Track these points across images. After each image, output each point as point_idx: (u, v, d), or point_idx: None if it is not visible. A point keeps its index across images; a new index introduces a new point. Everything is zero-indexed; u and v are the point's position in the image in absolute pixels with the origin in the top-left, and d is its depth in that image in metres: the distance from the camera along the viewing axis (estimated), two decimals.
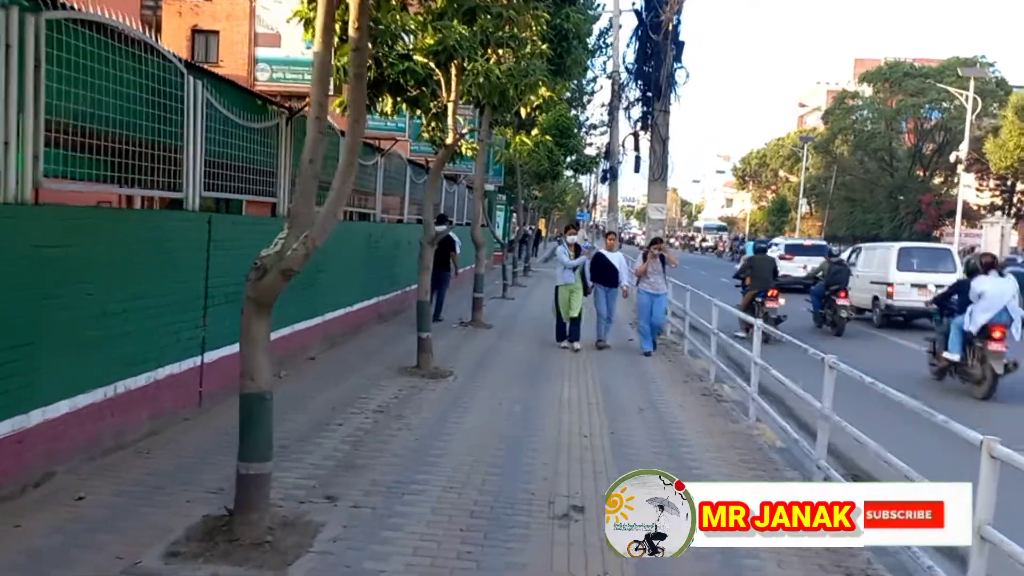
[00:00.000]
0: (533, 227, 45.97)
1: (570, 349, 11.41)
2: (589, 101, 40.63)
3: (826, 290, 14.93)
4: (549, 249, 50.89)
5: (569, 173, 53.50)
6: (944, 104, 52.67)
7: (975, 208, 53.35)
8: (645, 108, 15.07)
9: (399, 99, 8.78)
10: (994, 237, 43.81)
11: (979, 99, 38.79)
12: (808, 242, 29.94)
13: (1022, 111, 33.34)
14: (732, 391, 9.07)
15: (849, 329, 15.04)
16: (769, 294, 13.67)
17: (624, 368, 10.33)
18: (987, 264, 9.98)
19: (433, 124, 9.28)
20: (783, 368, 7.07)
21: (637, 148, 15.44)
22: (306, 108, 9.06)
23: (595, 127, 38.44)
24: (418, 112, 9.38)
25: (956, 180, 55.47)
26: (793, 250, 27.31)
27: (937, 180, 55.32)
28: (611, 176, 30.75)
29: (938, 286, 13.78)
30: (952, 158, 39.63)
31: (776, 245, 27.31)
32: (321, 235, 4.20)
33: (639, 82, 15.08)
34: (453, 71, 8.83)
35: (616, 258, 12.04)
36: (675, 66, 15.05)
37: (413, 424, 6.78)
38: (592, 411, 7.75)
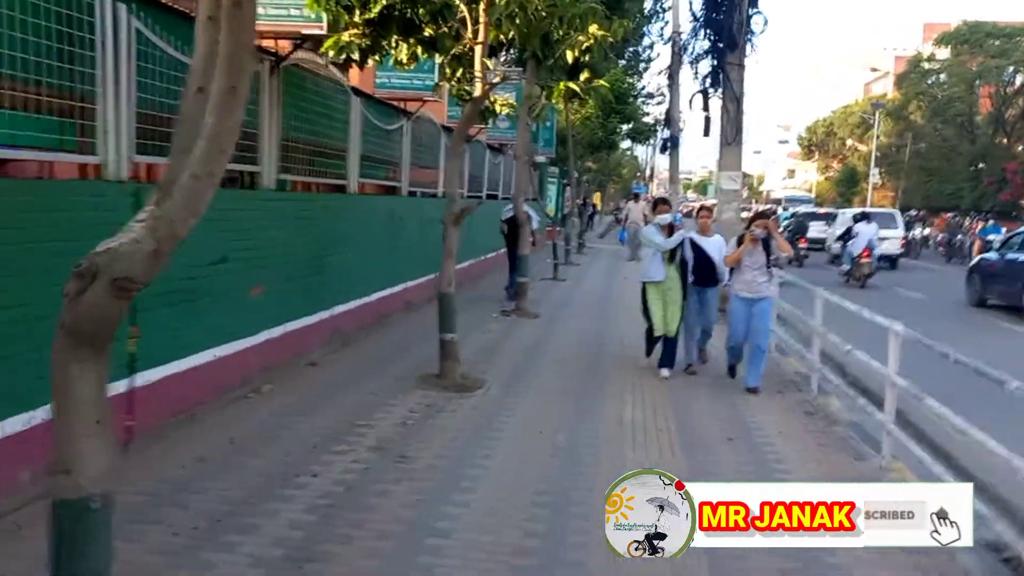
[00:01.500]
0: (589, 201, 43.84)
1: (658, 376, 7.93)
2: (646, 69, 38.35)
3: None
4: (604, 224, 48.61)
5: (625, 145, 51.17)
6: None
7: None
8: (715, 61, 12.92)
9: (411, 41, 6.93)
10: None
11: None
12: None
13: None
14: (841, 406, 7.07)
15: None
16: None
17: (699, 374, 8.39)
18: (860, 216, 20.06)
19: (455, 71, 7.40)
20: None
21: (706, 108, 13.32)
22: (288, 51, 7.34)
23: (651, 96, 36.11)
24: (440, 59, 7.53)
25: None
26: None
27: (1021, 147, 51.32)
28: (671, 145, 28.47)
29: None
30: None
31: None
32: (185, 217, 2.36)
33: (708, 31, 12.92)
34: (481, 3, 6.94)
35: (714, 245, 8.25)
36: (751, 11, 12.86)
37: (418, 472, 4.98)
38: (664, 442, 5.88)
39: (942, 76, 51.68)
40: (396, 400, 6.58)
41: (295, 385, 6.88)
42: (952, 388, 5.54)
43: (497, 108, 8.54)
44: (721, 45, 12.84)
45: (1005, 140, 50.56)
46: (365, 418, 6.03)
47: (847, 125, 76.38)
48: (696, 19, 13.28)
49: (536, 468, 5.15)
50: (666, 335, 8.04)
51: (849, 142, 78.13)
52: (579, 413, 6.50)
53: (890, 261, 23.45)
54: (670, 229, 8.05)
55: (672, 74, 28.33)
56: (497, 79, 7.32)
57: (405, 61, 7.51)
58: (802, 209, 36.56)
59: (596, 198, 52.89)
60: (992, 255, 16.23)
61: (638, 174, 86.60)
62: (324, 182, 8.52)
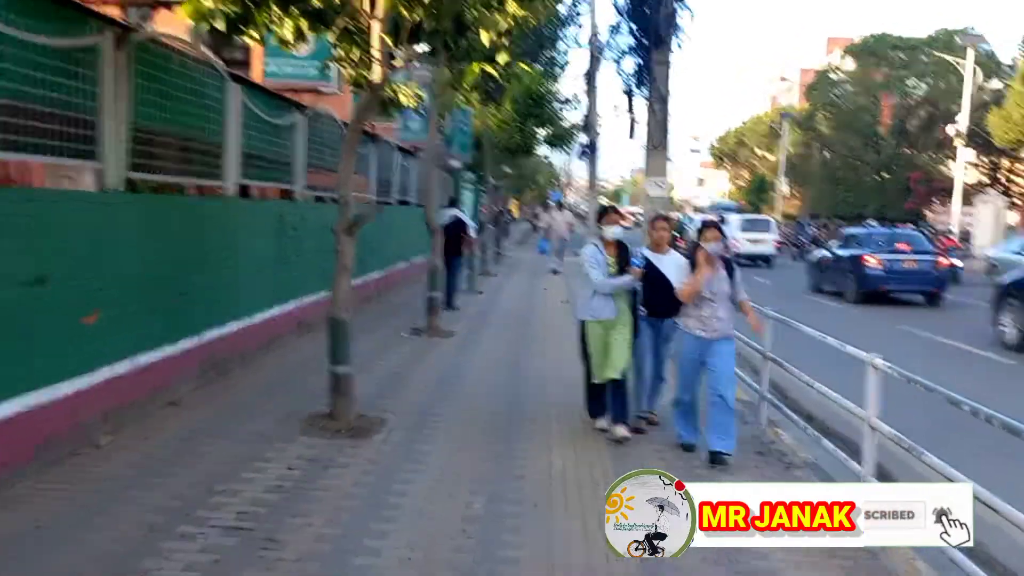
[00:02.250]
0: (506, 208, 42.90)
1: (610, 433, 6.09)
2: (561, 74, 37.69)
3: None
4: (520, 232, 47.77)
5: (542, 151, 50.45)
6: (929, 79, 50.35)
7: (966, 186, 51.17)
8: (640, 59, 12.06)
9: (292, 10, 5.69)
10: (987, 216, 41.71)
11: (978, 68, 36.29)
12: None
13: None
14: (794, 441, 6.17)
15: None
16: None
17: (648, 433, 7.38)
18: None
19: (347, 51, 6.18)
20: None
21: (631, 109, 12.44)
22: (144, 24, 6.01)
23: (568, 101, 35.45)
24: (331, 36, 6.31)
25: (943, 157, 53.40)
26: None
27: (924, 157, 53.03)
28: (590, 151, 27.78)
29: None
30: (952, 131, 37.13)
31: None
32: None
33: (633, 26, 12.06)
34: None
35: (672, 265, 6.26)
36: (676, 5, 12.05)
37: (288, 565, 3.76)
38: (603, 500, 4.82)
39: (848, 87, 52.87)
40: (273, 451, 5.32)
41: (145, 434, 5.54)
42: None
43: (402, 99, 7.36)
44: (647, 42, 11.97)
45: (908, 150, 52.11)
46: (229, 480, 4.75)
47: (757, 135, 77.96)
48: (620, 13, 12.40)
49: (444, 551, 3.99)
50: (613, 380, 6.03)
51: (759, 152, 79.82)
52: (500, 467, 5.37)
53: (765, 260, 28.24)
54: (619, 249, 6.11)
55: (590, 77, 27.67)
56: (399, 62, 6.16)
57: (291, 40, 6.25)
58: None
59: (513, 206, 52.08)
60: (827, 252, 19.53)
61: (554, 181, 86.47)
62: (195, 183, 7.17)
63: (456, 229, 12.96)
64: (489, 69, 5.32)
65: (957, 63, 36.14)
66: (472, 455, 5.52)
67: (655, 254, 6.40)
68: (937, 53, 41.76)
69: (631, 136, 12.49)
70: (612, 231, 6.13)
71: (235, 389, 6.93)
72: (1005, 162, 49.37)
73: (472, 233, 13.67)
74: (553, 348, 9.87)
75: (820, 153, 59.19)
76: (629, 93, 12.29)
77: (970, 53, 34.72)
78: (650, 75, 11.90)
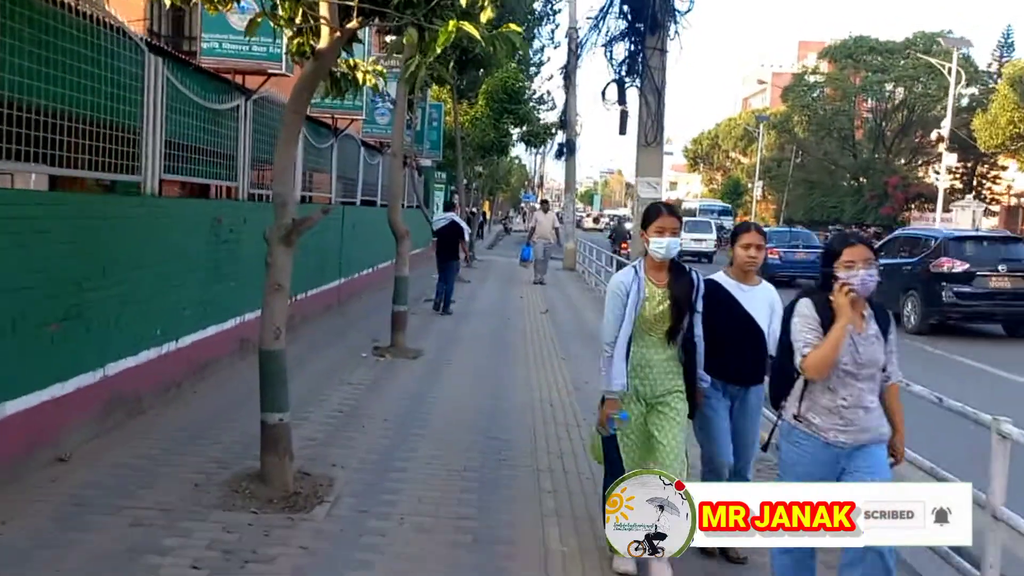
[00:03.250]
0: (479, 209, 41.55)
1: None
2: (536, 73, 36.57)
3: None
4: (494, 234, 46.44)
5: (516, 151, 49.16)
6: (906, 83, 49.92)
7: (946, 193, 50.76)
8: (633, 45, 10.84)
9: None
10: (965, 221, 41.24)
11: (962, 72, 35.69)
12: None
13: (1019, 83, 30.16)
14: None
15: None
16: None
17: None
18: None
19: (289, 11, 4.83)
20: None
21: (622, 101, 11.18)
22: None
23: (543, 101, 34.27)
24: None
25: (921, 162, 53.04)
26: None
27: (900, 162, 52.62)
28: (567, 151, 26.59)
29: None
30: (935, 136, 36.44)
31: None
32: None
33: (626, 7, 10.82)
34: None
35: (763, 301, 4.24)
36: None
37: None
38: None
39: (827, 90, 52.26)
40: (176, 536, 3.96)
41: (15, 509, 4.15)
42: None
43: (360, 77, 6.03)
44: (640, 26, 10.75)
45: (885, 155, 51.65)
46: None
47: (731, 137, 77.44)
48: None
49: None
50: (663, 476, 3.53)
51: (733, 154, 79.32)
52: (478, 555, 4.07)
53: (707, 257, 30.69)
54: (674, 276, 3.87)
55: (568, 73, 26.42)
56: (354, 23, 4.83)
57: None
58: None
59: (485, 206, 50.75)
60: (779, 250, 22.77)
61: (526, 182, 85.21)
62: (96, 176, 5.78)
63: (452, 233, 12.97)
64: (469, 28, 4.03)
65: (942, 66, 35.43)
66: (439, 541, 4.19)
67: (740, 285, 4.21)
68: (922, 56, 41.03)
69: (622, 131, 11.25)
70: (665, 246, 3.79)
71: (145, 436, 5.54)
72: (980, 168, 49.15)
73: (467, 237, 13.57)
74: (537, 372, 8.59)
75: (795, 157, 58.66)
76: (620, 83, 11.04)
77: (954, 56, 34.03)
78: (644, 63, 10.67)
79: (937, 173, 52.76)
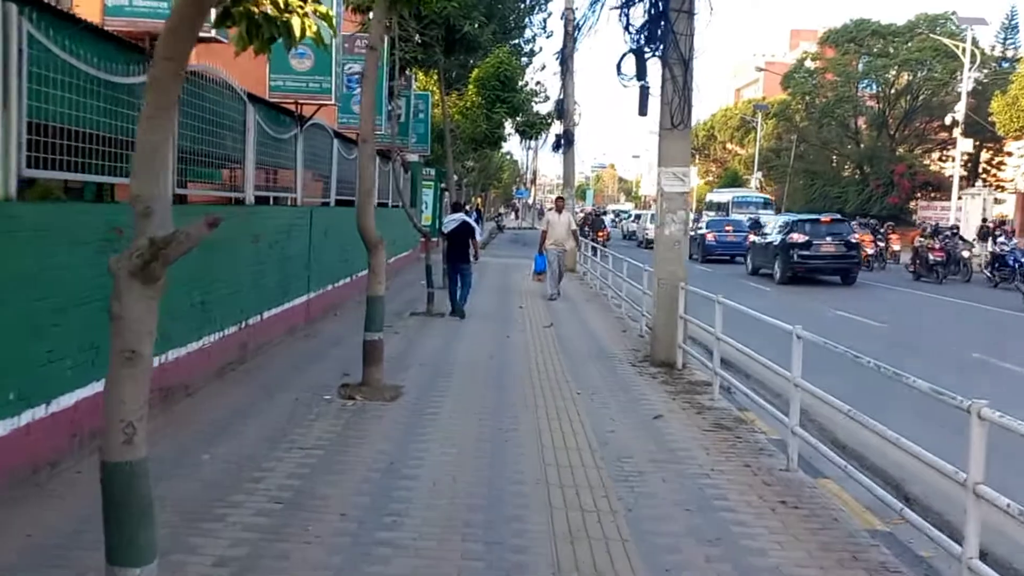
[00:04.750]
0: (471, 206, 39.58)
1: None
2: (528, 63, 34.71)
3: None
4: (487, 231, 44.43)
5: (508, 147, 47.25)
6: (913, 65, 48.14)
7: (951, 180, 49.01)
8: (654, 8, 8.95)
9: None
10: (975, 210, 39.55)
11: (977, 53, 33.88)
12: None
13: None
14: None
15: None
16: None
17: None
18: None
19: None
20: None
21: (642, 75, 9.28)
22: None
23: (536, 93, 32.34)
24: None
25: (926, 150, 51.28)
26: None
27: (902, 149, 50.85)
28: (565, 142, 24.67)
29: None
30: (948, 120, 34.67)
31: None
32: None
33: None
34: None
35: None
36: None
37: None
38: None
39: (829, 76, 50.40)
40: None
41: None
42: None
43: (296, 26, 4.11)
44: None
45: (890, 143, 49.88)
46: None
47: (727, 128, 75.61)
48: None
49: None
50: None
51: (729, 145, 77.51)
52: None
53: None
54: None
55: (565, 58, 24.50)
56: None
57: None
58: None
59: (478, 202, 48.86)
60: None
61: (518, 178, 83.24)
62: None
63: (464, 233, 12.56)
64: None
65: (956, 46, 33.63)
66: None
67: None
68: (935, 36, 39.18)
69: (642, 112, 9.35)
70: None
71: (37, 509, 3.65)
72: (984, 154, 47.45)
73: (479, 237, 13.36)
74: (548, 418, 6.71)
75: (795, 146, 56.85)
76: (639, 53, 9.15)
77: (969, 35, 32.26)
78: (668, 28, 8.79)
79: (943, 161, 51.34)
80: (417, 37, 15.14)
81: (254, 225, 8.38)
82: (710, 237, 29.14)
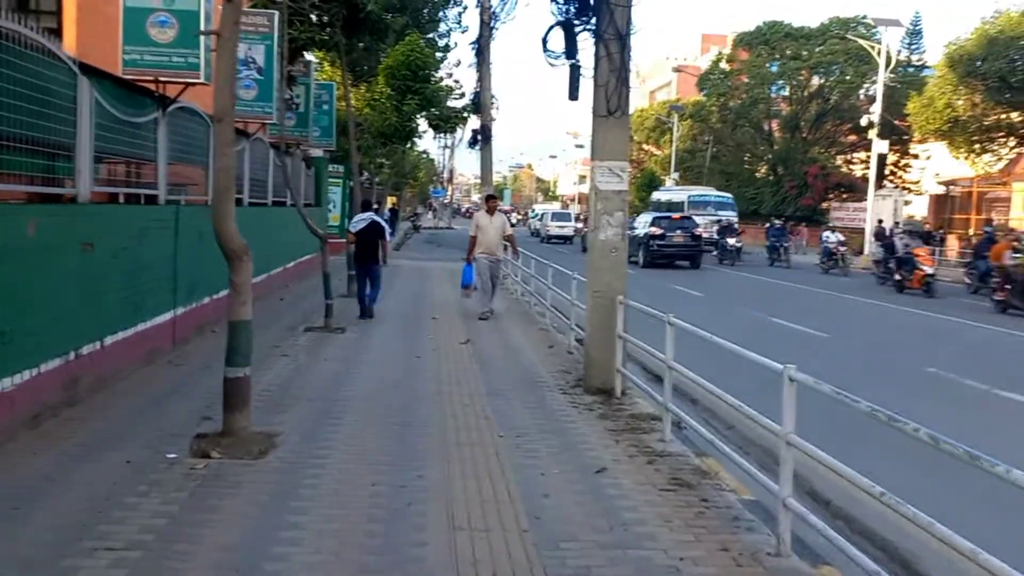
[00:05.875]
0: (382, 205, 37.58)
1: None
2: (443, 59, 33.19)
3: None
4: (402, 231, 42.54)
5: (423, 145, 45.47)
6: (825, 67, 48.57)
7: (860, 181, 49.70)
8: None
9: None
10: (886, 211, 39.98)
11: (891, 54, 33.98)
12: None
13: (959, 62, 28.39)
14: None
15: None
16: None
17: None
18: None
19: None
20: None
21: (572, 53, 7.84)
22: None
23: (451, 90, 30.82)
24: None
25: (837, 151, 51.90)
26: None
27: (815, 151, 51.29)
28: (483, 138, 23.11)
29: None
30: (864, 122, 34.69)
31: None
32: None
33: None
34: None
35: None
36: None
37: None
38: None
39: (743, 77, 50.42)
40: None
41: None
42: None
43: None
44: None
45: (803, 144, 50.22)
46: None
47: (643, 129, 75.56)
48: None
49: None
50: None
51: (646, 147, 77.50)
52: None
53: (567, 239, 42.92)
54: None
55: (481, 48, 22.96)
56: None
57: None
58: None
59: (391, 201, 46.88)
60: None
61: (435, 177, 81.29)
62: None
63: (374, 233, 12.19)
64: None
65: (871, 47, 33.62)
66: None
67: None
68: (852, 37, 39.33)
69: (573, 96, 7.90)
70: None
71: None
72: (891, 156, 48.29)
73: (390, 238, 13.16)
74: (464, 478, 5.21)
75: (710, 147, 56.86)
76: (568, 26, 7.73)
77: (886, 36, 32.25)
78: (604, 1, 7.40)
79: (852, 164, 52.08)
80: (314, 15, 13.42)
81: (88, 228, 6.59)
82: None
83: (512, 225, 13.42)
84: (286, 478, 5.07)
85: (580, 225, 42.00)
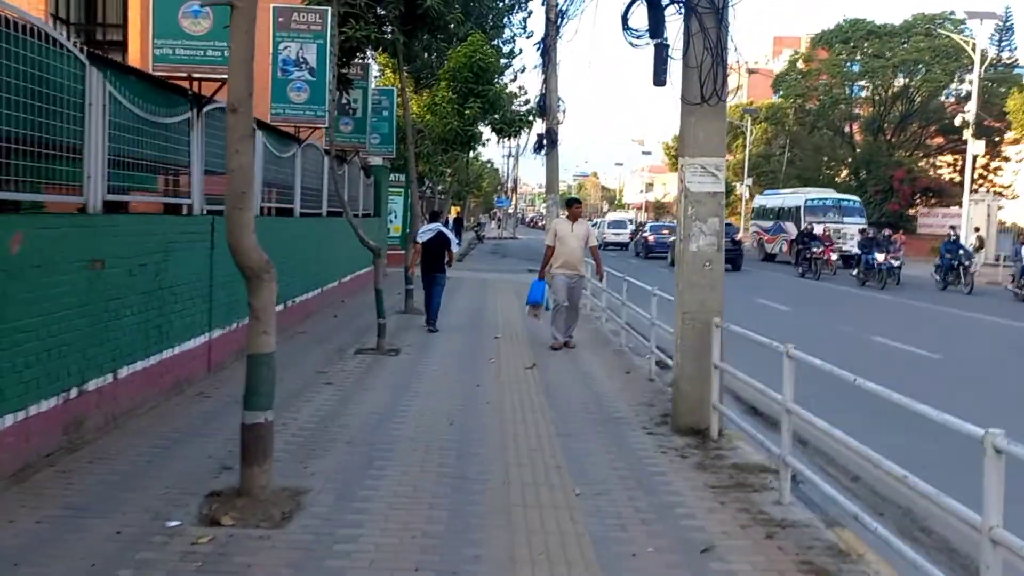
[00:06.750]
0: (444, 214, 36.79)
1: None
2: (508, 65, 32.35)
3: None
4: (466, 241, 41.72)
5: (487, 155, 44.57)
6: (911, 66, 46.04)
7: (952, 186, 46.90)
8: None
9: None
10: (980, 216, 37.45)
11: (987, 50, 31.71)
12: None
13: None
14: None
15: None
16: None
17: None
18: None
19: None
20: None
21: (657, 31, 6.63)
22: None
23: (515, 95, 29.87)
24: None
25: (924, 155, 49.17)
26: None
27: (899, 154, 48.64)
28: (548, 143, 22.02)
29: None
30: (958, 122, 32.41)
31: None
32: None
33: None
34: None
35: None
36: None
37: None
38: None
39: (823, 77, 48.19)
40: None
41: None
42: None
43: None
44: None
45: (887, 147, 47.70)
46: None
47: None
48: None
49: None
50: None
51: None
52: None
53: (623, 246, 44.18)
54: None
55: (547, 49, 21.88)
56: None
57: None
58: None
59: (454, 210, 46.16)
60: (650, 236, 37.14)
61: (499, 186, 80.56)
62: None
63: (439, 245, 12.08)
64: None
65: (966, 43, 31.41)
66: None
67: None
68: (944, 32, 37.03)
69: (659, 80, 6.68)
70: None
71: None
72: (981, 159, 45.45)
73: (456, 248, 12.83)
74: (545, 556, 4.06)
75: (786, 151, 54.63)
76: (654, 2, 6.53)
77: (981, 29, 30.08)
78: None
79: (939, 168, 49.19)
80: (374, 10, 12.54)
81: (98, 243, 5.68)
82: (649, 239, 38.02)
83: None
84: (308, 559, 4.00)
85: (633, 228, 48.47)
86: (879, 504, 5.60)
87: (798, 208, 33.67)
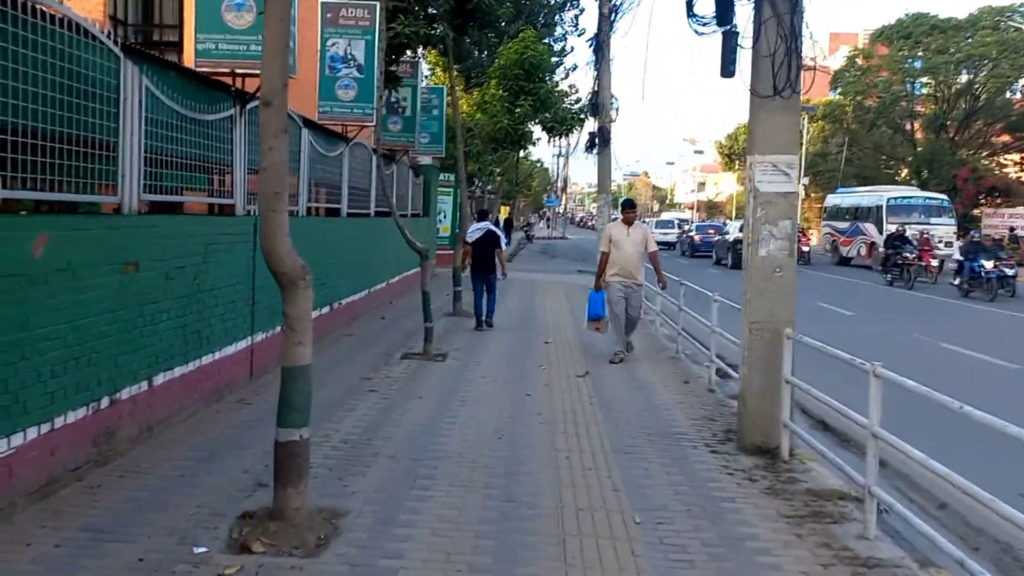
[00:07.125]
0: (493, 214, 36.51)
1: None
2: (559, 64, 31.90)
3: None
4: (515, 242, 41.35)
5: (536, 155, 44.17)
6: (976, 61, 44.28)
7: (1019, 185, 45.07)
8: None
9: None
10: None
11: None
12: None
13: None
14: None
15: None
16: None
17: None
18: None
19: None
20: None
21: (725, 18, 6.17)
22: None
23: (566, 93, 29.39)
24: None
25: (989, 153, 47.34)
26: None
27: (963, 152, 46.86)
28: (600, 141, 21.53)
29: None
30: None
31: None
32: None
33: None
34: None
35: None
36: None
37: None
38: None
39: (884, 73, 46.66)
40: None
41: None
42: None
43: None
44: None
45: (951, 145, 46.02)
46: None
47: None
48: None
49: None
50: None
51: None
52: None
53: (671, 245, 42.18)
54: None
55: (599, 44, 21.38)
56: None
57: None
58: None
59: (504, 211, 45.83)
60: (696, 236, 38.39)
61: (549, 186, 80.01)
62: None
63: (489, 244, 12.07)
64: None
65: None
66: None
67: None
68: (1013, 24, 35.53)
69: (728, 71, 6.19)
70: None
71: None
72: None
73: (504, 247, 12.65)
74: None
75: (845, 149, 53.08)
76: None
77: None
78: None
79: (1005, 167, 47.28)
80: (423, 5, 12.24)
81: (132, 244, 5.42)
82: (696, 238, 39.35)
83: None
84: None
85: (680, 230, 47.05)
86: (970, 535, 5.07)
87: (878, 208, 31.12)
